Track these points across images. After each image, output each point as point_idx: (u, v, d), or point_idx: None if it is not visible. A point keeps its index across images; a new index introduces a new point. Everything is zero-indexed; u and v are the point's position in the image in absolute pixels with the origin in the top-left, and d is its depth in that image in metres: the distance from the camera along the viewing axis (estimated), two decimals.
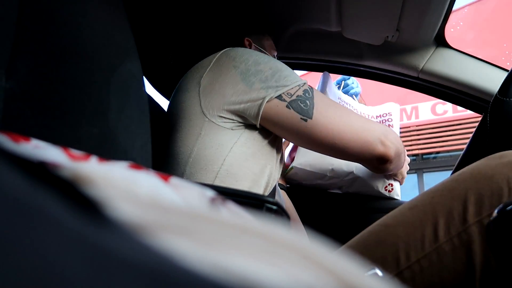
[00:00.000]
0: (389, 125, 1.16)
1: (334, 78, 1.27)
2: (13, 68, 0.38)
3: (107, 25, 0.46)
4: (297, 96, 0.71)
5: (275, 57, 1.01)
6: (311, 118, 0.70)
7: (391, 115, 1.18)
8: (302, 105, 0.70)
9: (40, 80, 0.39)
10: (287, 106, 0.70)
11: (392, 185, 1.10)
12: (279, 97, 0.70)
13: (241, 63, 0.73)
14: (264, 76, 0.71)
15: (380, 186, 1.11)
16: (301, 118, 0.70)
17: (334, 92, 1.12)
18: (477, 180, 0.49)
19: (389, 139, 0.76)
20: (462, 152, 0.73)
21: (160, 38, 0.84)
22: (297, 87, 0.72)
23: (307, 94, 0.72)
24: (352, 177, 1.10)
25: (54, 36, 0.41)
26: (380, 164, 0.78)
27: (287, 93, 0.71)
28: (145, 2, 1.08)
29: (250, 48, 0.95)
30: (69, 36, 0.42)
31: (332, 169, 1.09)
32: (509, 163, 0.49)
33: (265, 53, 0.92)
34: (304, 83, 0.74)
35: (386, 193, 1.12)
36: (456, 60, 1.21)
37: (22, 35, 0.39)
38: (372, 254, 0.52)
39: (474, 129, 0.69)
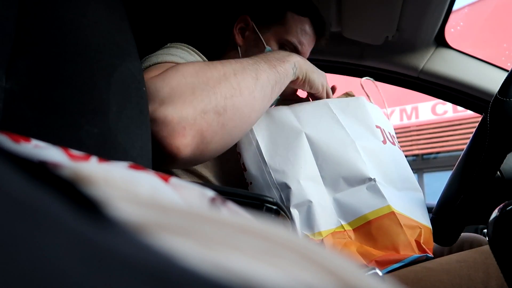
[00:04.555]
0: None
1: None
2: (13, 68, 0.38)
3: (107, 25, 0.46)
4: None
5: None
6: None
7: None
8: None
9: (40, 80, 0.39)
10: None
11: None
12: None
13: None
14: None
15: None
16: None
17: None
18: None
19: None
20: (462, 152, 0.73)
21: (160, 38, 0.84)
22: None
23: None
24: None
25: (54, 36, 0.41)
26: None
27: None
28: (145, 2, 1.08)
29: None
30: (69, 36, 0.42)
31: None
32: None
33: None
34: None
35: None
36: (456, 60, 1.21)
37: (22, 35, 0.39)
38: None
39: (474, 129, 0.69)
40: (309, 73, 0.75)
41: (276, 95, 0.68)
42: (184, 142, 0.52)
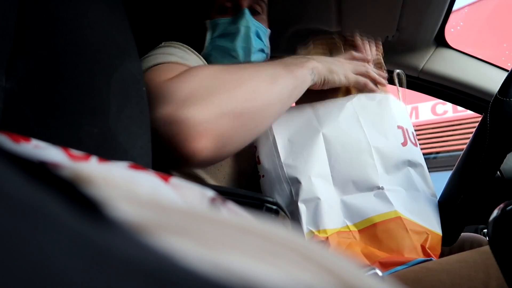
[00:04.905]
0: None
1: None
2: (13, 68, 0.38)
3: (107, 25, 0.46)
4: None
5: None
6: None
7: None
8: None
9: (40, 80, 0.39)
10: None
11: None
12: None
13: None
14: None
15: None
16: None
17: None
18: None
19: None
20: (462, 152, 0.73)
21: (160, 38, 0.84)
22: None
23: None
24: None
25: (54, 36, 0.41)
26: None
27: None
28: (145, 2, 1.08)
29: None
30: (69, 36, 0.42)
31: None
32: None
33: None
34: None
35: None
36: (456, 60, 1.21)
37: (22, 35, 0.39)
38: None
39: (474, 129, 0.69)
40: (327, 77, 0.73)
41: (294, 99, 0.67)
42: (201, 145, 0.52)
